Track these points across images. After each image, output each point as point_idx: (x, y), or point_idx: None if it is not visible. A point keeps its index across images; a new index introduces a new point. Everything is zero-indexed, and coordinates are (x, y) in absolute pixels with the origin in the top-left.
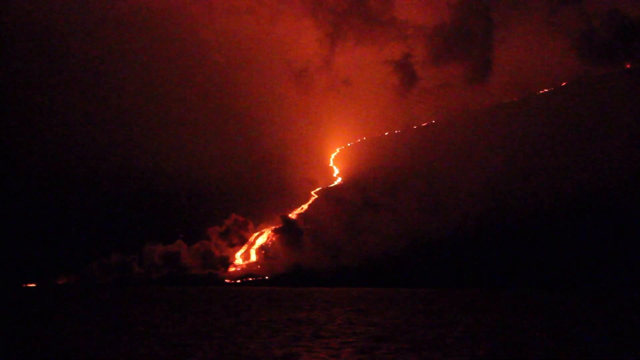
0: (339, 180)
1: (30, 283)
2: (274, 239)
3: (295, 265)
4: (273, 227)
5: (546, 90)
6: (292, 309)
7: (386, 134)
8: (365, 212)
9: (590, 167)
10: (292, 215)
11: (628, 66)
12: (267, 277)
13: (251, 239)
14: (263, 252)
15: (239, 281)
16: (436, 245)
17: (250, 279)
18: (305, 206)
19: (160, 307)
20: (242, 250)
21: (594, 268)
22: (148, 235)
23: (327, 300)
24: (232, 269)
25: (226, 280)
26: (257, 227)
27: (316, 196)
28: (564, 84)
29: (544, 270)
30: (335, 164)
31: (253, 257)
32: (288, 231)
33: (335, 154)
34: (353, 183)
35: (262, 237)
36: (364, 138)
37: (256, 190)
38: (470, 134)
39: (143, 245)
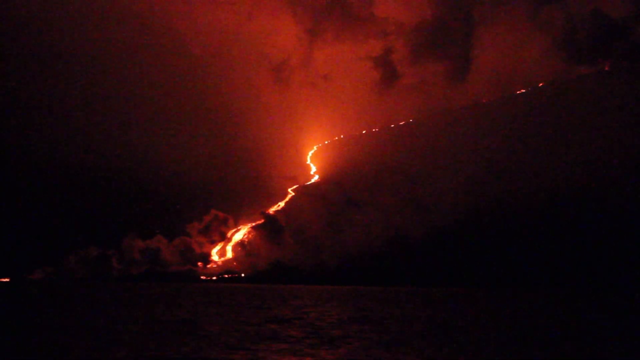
0: (316, 178)
1: (3, 278)
2: (250, 236)
3: (276, 262)
4: (252, 224)
5: (523, 90)
6: (314, 306)
7: (364, 132)
8: (346, 209)
9: (567, 166)
10: (269, 212)
11: (607, 68)
12: (242, 275)
13: (229, 234)
14: (239, 248)
15: (214, 278)
16: (417, 244)
17: (227, 275)
18: (282, 203)
19: (182, 305)
20: (218, 247)
21: (572, 265)
22: (127, 230)
23: (326, 298)
24: (211, 266)
25: (202, 277)
26: (237, 223)
27: (293, 193)
28: (540, 84)
29: (526, 268)
30: (313, 162)
31: (229, 254)
32: (269, 228)
33: (312, 151)
34: (333, 180)
35: (239, 234)
36: (342, 136)
37: (234, 186)
38: (448, 133)
39: (122, 240)
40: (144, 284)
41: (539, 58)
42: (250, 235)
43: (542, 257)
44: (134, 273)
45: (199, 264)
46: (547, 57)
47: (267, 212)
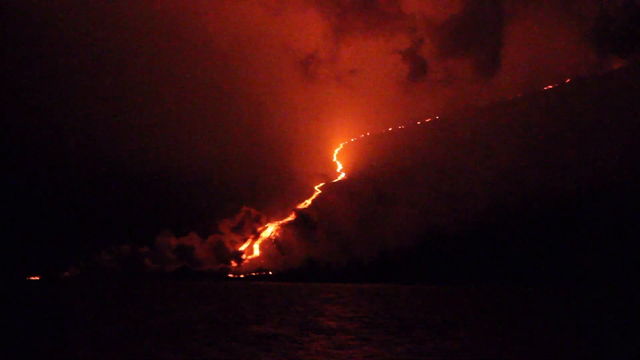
0: (343, 175)
1: (34, 276)
2: (277, 234)
3: (309, 260)
4: (280, 221)
5: (550, 86)
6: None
7: (390, 129)
8: (378, 206)
9: (598, 162)
10: (300, 208)
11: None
12: (270, 272)
13: (259, 230)
14: (267, 246)
15: (242, 276)
16: (451, 240)
17: (254, 274)
18: (309, 201)
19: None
20: (246, 245)
21: (609, 260)
22: (160, 227)
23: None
24: (245, 263)
25: (229, 275)
26: (269, 220)
27: (320, 191)
28: (567, 80)
29: (561, 266)
30: (339, 159)
31: (256, 252)
32: (301, 224)
33: (338, 149)
34: (363, 177)
35: (266, 232)
36: (368, 134)
37: (261, 183)
38: (475, 130)
39: (155, 237)
40: (180, 283)
41: (570, 51)
42: (277, 233)
43: (576, 253)
44: (167, 271)
45: (232, 262)
46: (579, 49)
47: (300, 209)
